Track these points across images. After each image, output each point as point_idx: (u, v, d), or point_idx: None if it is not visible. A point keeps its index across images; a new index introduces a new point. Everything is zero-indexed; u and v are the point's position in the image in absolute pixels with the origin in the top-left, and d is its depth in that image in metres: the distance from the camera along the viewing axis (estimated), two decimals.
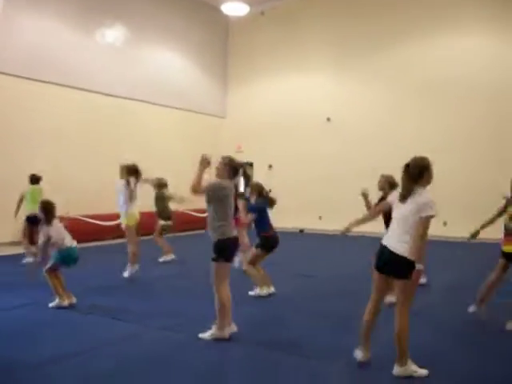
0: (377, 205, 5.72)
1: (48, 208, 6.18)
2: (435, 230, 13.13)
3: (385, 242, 4.08)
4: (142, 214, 8.63)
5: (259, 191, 7.08)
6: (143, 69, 15.05)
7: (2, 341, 4.90)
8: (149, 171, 13.35)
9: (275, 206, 7.01)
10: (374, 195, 6.54)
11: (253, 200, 7.11)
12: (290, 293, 7.06)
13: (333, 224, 15.40)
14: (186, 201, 8.26)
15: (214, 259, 4.84)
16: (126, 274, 8.11)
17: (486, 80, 13.59)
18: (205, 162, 4.79)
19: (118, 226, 8.84)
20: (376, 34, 15.25)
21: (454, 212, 12.96)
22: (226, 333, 4.89)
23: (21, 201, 9.87)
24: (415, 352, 4.11)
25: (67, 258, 6.13)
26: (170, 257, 9.93)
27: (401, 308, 3.99)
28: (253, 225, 6.98)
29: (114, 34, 13.98)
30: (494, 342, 4.95)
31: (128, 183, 8.12)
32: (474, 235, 5.74)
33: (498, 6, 13.48)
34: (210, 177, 4.84)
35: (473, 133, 13.73)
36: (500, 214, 5.63)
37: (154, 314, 5.94)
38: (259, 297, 6.77)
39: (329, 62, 16.21)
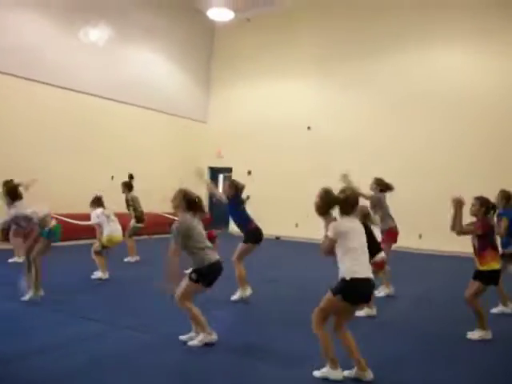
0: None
1: (9, 189, 6.91)
2: (411, 243, 13.40)
3: (367, 274, 4.09)
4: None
5: (236, 187, 7.36)
6: (126, 70, 14.99)
7: None
8: (125, 176, 13.40)
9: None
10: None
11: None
12: (264, 298, 7.10)
13: (309, 232, 15.65)
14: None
15: (191, 278, 4.81)
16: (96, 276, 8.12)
17: (466, 95, 13.81)
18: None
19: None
20: (359, 44, 15.40)
21: (429, 225, 13.18)
22: (214, 335, 4.89)
23: None
24: (378, 359, 4.17)
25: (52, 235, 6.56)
26: (134, 258, 10.17)
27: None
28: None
29: (97, 34, 13.88)
30: (455, 350, 5.03)
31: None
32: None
33: (480, 22, 13.72)
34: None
35: (449, 146, 13.93)
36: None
37: (122, 313, 5.96)
38: (232, 302, 6.81)
39: (311, 71, 16.31)
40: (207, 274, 4.81)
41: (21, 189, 7.42)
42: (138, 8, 15.28)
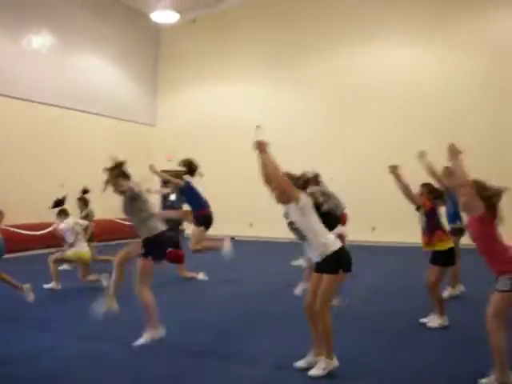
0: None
1: None
2: (365, 236, 13.68)
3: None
4: None
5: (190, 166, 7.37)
6: (71, 76, 14.73)
7: None
8: (76, 180, 13.06)
9: None
10: None
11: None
12: (223, 298, 7.13)
13: (263, 231, 15.78)
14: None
15: (143, 254, 4.82)
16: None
17: (410, 89, 14.23)
18: None
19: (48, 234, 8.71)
20: (304, 44, 15.67)
21: (382, 218, 13.52)
22: (160, 331, 4.87)
23: None
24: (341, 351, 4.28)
25: None
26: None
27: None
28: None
29: (40, 40, 13.63)
30: (413, 337, 5.20)
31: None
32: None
33: (422, 18, 14.15)
34: None
35: (395, 141, 14.28)
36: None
37: (73, 321, 5.92)
38: (186, 301, 6.83)
39: (259, 70, 16.46)
40: (156, 245, 4.84)
41: None
42: (82, 14, 15.06)
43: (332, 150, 15.02)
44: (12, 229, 11.81)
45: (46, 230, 11.90)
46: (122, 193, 4.90)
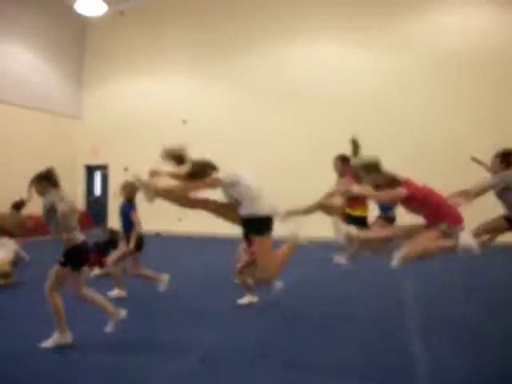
0: None
1: None
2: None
3: None
4: None
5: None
6: None
7: None
8: None
9: None
10: None
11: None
12: (146, 295, 7.10)
13: (193, 225, 15.69)
14: None
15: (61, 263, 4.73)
16: None
17: (337, 87, 14.69)
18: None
19: None
20: (231, 39, 15.76)
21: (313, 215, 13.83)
22: (68, 337, 4.80)
23: None
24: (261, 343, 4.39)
25: None
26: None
27: None
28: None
29: None
30: (340, 328, 5.40)
31: None
32: None
33: (346, 17, 14.58)
34: None
35: (316, 137, 14.66)
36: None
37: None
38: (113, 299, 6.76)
39: (186, 64, 16.40)
40: (75, 255, 4.76)
41: None
42: (1, 0, 14.42)
43: (253, 144, 15.24)
44: None
45: None
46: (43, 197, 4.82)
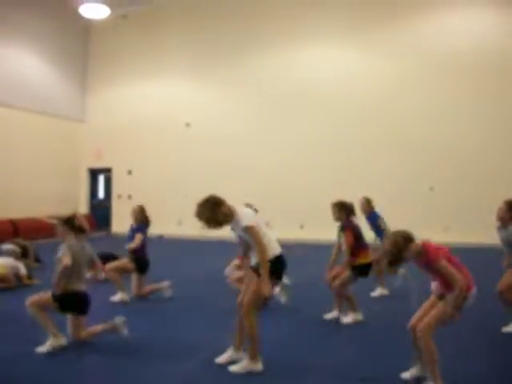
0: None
1: None
2: (294, 234, 14.06)
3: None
4: None
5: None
6: None
7: None
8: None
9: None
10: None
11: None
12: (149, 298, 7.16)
13: (193, 228, 15.76)
14: None
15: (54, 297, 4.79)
16: None
17: (336, 89, 14.81)
18: None
19: None
20: (234, 42, 15.91)
21: (310, 216, 14.03)
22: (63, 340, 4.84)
23: None
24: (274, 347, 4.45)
25: None
26: None
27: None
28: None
29: None
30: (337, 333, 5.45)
31: None
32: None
33: (355, 18, 14.65)
34: None
35: (319, 138, 14.80)
36: (339, 248, 6.08)
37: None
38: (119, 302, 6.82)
39: (189, 68, 16.51)
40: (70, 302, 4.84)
41: None
42: (7, 4, 14.51)
43: (258, 146, 15.39)
44: None
45: None
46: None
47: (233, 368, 4.28)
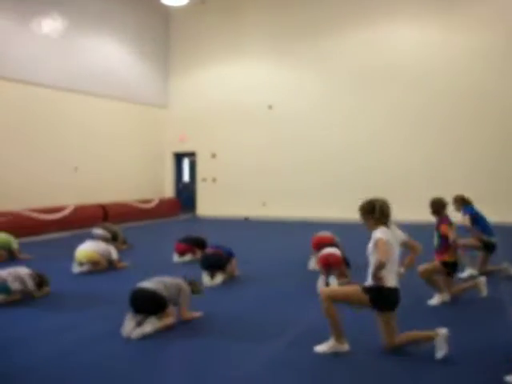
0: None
1: None
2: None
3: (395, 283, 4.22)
4: None
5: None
6: (80, 59, 14.61)
7: None
8: (88, 164, 13.19)
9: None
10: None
11: None
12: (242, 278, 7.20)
13: (277, 210, 15.86)
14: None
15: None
16: None
17: (426, 69, 14.21)
18: None
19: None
20: (314, 22, 15.51)
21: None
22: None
23: None
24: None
25: None
26: None
27: None
28: None
29: (51, 23, 13.56)
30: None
31: None
32: None
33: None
34: None
35: (411, 120, 14.31)
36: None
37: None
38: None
39: (269, 50, 16.32)
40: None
41: None
42: None
43: (342, 126, 15.11)
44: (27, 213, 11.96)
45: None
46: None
47: (318, 348, 4.21)
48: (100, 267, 7.88)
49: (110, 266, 8.04)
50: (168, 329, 4.82)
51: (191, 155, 17.99)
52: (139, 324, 4.73)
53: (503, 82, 13.44)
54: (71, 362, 4.16)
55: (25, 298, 6.03)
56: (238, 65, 16.84)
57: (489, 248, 7.09)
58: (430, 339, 4.09)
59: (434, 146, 14.05)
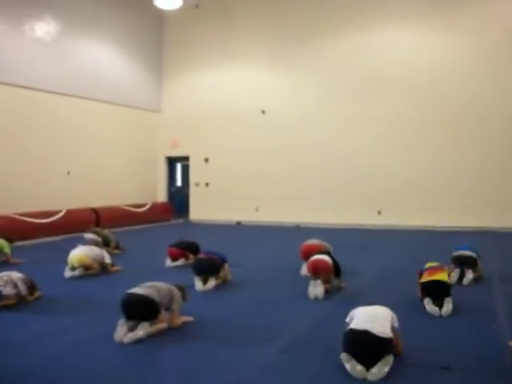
0: None
1: None
2: (371, 219, 13.82)
3: None
4: None
5: None
6: (73, 62, 14.56)
7: None
8: (82, 168, 13.19)
9: None
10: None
11: None
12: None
13: (269, 215, 15.88)
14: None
15: None
16: None
17: (427, 76, 14.34)
18: None
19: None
20: (309, 26, 15.57)
21: (389, 202, 13.68)
22: None
23: None
24: None
25: None
26: None
27: None
28: None
29: (42, 26, 13.55)
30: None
31: None
32: None
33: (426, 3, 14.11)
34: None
35: (408, 126, 14.39)
36: None
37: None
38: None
39: (263, 54, 16.37)
40: None
41: None
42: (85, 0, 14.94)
43: (337, 132, 15.15)
44: (19, 217, 11.92)
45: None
46: None
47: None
48: (92, 271, 7.87)
49: (103, 270, 8.03)
50: (160, 333, 4.83)
51: (184, 159, 18.00)
52: (132, 329, 4.74)
53: (509, 88, 13.47)
54: (64, 366, 4.15)
55: (17, 303, 6.02)
56: (232, 69, 16.87)
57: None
58: None
59: (436, 152, 14.13)
